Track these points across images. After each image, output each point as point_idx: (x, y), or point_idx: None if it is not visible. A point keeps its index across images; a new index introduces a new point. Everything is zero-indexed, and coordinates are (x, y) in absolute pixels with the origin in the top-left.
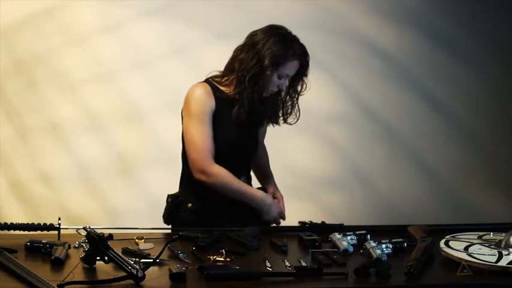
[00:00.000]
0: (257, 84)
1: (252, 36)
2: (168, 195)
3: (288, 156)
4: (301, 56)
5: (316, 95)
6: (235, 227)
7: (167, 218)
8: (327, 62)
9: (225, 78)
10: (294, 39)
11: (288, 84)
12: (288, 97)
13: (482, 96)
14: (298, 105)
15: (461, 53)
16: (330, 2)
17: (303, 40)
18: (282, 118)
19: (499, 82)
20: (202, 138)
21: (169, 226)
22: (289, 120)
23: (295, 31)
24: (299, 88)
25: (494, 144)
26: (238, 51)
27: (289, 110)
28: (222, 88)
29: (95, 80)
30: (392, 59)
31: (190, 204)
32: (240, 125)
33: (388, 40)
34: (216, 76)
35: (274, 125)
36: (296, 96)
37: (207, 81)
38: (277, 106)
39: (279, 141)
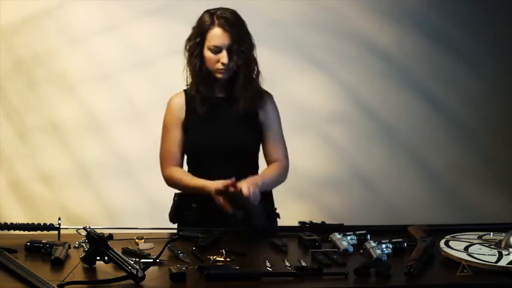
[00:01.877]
0: (192, 66)
1: None
2: (175, 194)
3: (288, 156)
4: (223, 22)
5: (316, 95)
6: (240, 226)
7: (172, 217)
8: (327, 62)
9: None
10: (217, 10)
11: (230, 58)
12: (243, 77)
13: (482, 96)
14: (255, 76)
15: (461, 53)
16: (330, 2)
17: (303, 40)
18: (248, 99)
19: (499, 82)
20: (163, 147)
21: (172, 225)
22: (255, 101)
23: (295, 31)
24: (252, 66)
25: (494, 144)
26: None
27: (248, 87)
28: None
29: (95, 80)
30: (392, 59)
31: (194, 205)
32: (214, 125)
33: (388, 40)
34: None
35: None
36: (251, 73)
37: (187, 88)
38: (240, 89)
39: None
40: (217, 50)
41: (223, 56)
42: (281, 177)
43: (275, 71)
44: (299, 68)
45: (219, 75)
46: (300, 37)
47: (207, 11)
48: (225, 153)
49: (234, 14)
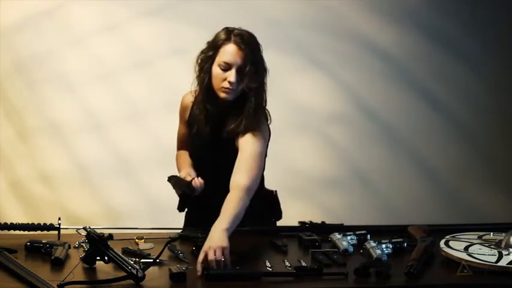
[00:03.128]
0: (201, 81)
1: None
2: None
3: (288, 156)
4: (238, 40)
5: (316, 95)
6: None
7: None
8: (327, 62)
9: None
10: (235, 28)
11: (238, 78)
12: (255, 102)
13: (482, 96)
14: (261, 96)
15: (461, 53)
16: (330, 2)
17: (303, 40)
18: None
19: (499, 82)
20: (177, 139)
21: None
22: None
23: (295, 31)
24: (262, 93)
25: (494, 144)
26: None
27: (251, 111)
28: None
29: (95, 80)
30: (392, 59)
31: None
32: (214, 133)
33: (388, 40)
34: None
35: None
36: (261, 100)
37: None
38: (249, 113)
39: (279, 141)
40: (226, 68)
41: (231, 75)
42: (245, 205)
43: (275, 71)
44: (299, 68)
45: (223, 95)
46: (300, 37)
47: (226, 28)
48: (211, 169)
49: (251, 35)
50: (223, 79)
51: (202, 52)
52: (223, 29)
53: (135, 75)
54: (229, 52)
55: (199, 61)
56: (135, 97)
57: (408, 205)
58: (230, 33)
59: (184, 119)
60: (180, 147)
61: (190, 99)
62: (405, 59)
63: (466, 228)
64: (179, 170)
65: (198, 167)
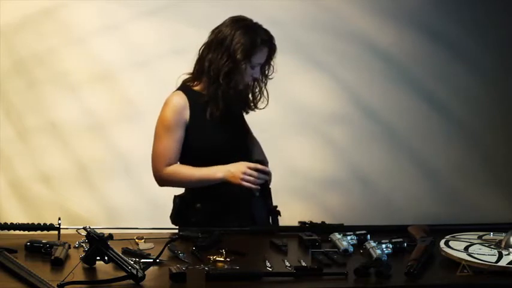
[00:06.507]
0: (233, 80)
1: (217, 33)
2: (175, 196)
3: (288, 156)
4: (268, 41)
5: (316, 95)
6: (242, 226)
7: (175, 218)
8: (327, 62)
9: (196, 81)
10: (258, 27)
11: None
12: (256, 83)
13: (482, 96)
14: (266, 90)
15: (461, 53)
16: (330, 2)
17: (303, 40)
18: (252, 104)
19: (499, 82)
20: (159, 148)
21: (173, 226)
22: (259, 105)
23: (295, 31)
24: (267, 72)
25: (494, 144)
26: (205, 50)
27: (258, 96)
28: (197, 91)
29: (95, 80)
30: (392, 59)
31: (198, 205)
32: (220, 124)
33: (388, 40)
34: (187, 80)
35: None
36: (265, 80)
37: (183, 87)
38: (247, 94)
39: (279, 141)
40: (257, 66)
41: (257, 72)
42: None
43: (275, 71)
44: (299, 68)
45: (242, 87)
46: (300, 37)
47: (254, 33)
48: (230, 152)
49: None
50: (251, 75)
51: (245, 57)
52: (256, 36)
53: (135, 75)
54: (263, 54)
55: (242, 65)
56: (135, 97)
57: (408, 205)
58: (261, 36)
59: (185, 120)
60: (171, 161)
61: (183, 98)
62: (405, 59)
63: (466, 228)
64: (195, 175)
65: (217, 161)
